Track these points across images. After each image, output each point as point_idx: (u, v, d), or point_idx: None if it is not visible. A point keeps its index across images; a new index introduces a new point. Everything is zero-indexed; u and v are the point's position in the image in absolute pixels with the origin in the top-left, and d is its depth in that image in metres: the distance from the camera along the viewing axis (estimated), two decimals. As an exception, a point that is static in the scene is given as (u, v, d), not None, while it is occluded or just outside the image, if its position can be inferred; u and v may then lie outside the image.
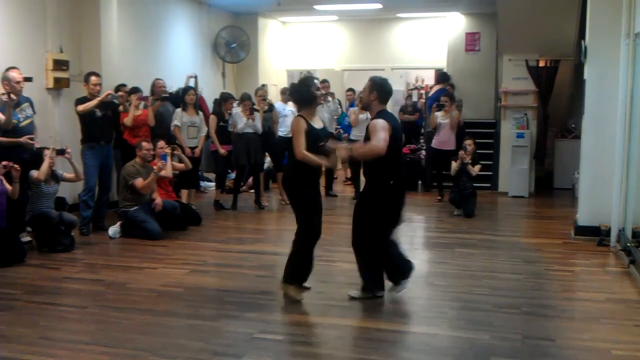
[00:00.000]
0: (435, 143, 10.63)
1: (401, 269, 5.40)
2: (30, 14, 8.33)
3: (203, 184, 11.51)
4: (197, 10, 12.55)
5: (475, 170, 9.42)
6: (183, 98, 9.28)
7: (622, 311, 5.14)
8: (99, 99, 7.72)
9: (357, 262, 5.38)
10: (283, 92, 11.63)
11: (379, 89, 5.35)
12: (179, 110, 9.21)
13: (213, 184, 11.04)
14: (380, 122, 5.23)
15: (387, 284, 5.41)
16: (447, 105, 10.45)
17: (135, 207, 7.71)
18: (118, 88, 9.13)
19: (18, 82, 6.94)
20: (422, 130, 13.58)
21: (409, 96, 16.46)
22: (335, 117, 11.26)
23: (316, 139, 5.19)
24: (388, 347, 4.37)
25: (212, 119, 9.57)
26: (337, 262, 6.56)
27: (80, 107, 7.75)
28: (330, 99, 11.01)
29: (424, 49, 14.58)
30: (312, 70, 15.47)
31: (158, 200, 7.88)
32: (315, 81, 5.46)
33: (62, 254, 6.91)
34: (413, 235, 8.66)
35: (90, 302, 5.40)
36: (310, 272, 5.38)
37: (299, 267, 5.32)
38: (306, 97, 5.34)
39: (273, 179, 11.50)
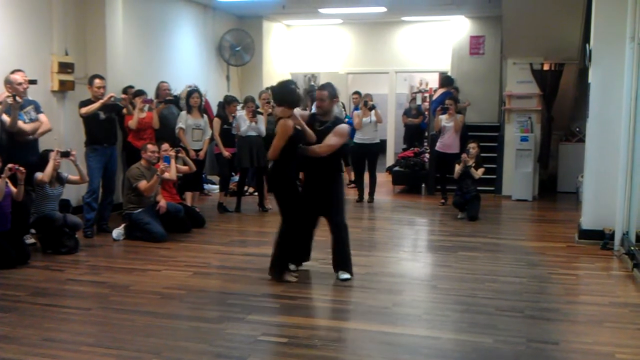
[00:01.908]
0: (439, 146, 10.64)
1: None
2: (36, 16, 8.36)
3: (207, 186, 11.52)
4: (202, 14, 12.58)
5: (478, 173, 9.40)
6: (187, 101, 9.32)
7: (626, 315, 5.14)
8: (101, 101, 7.75)
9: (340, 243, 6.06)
10: None
11: (335, 93, 6.12)
12: (183, 112, 9.25)
13: (217, 186, 11.06)
14: (347, 129, 6.23)
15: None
16: (451, 108, 10.47)
17: (140, 210, 7.73)
18: (125, 90, 9.18)
19: (20, 84, 6.96)
20: (426, 134, 13.60)
21: (413, 99, 16.52)
22: (339, 119, 11.27)
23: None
24: (391, 350, 4.37)
25: (216, 121, 9.59)
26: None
27: (83, 110, 7.78)
28: (334, 102, 11.01)
29: (429, 52, 14.59)
30: (316, 73, 15.57)
31: (162, 202, 7.90)
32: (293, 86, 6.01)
33: (66, 256, 6.93)
34: (416, 238, 8.69)
35: (93, 304, 5.41)
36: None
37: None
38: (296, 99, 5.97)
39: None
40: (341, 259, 6.10)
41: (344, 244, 6.11)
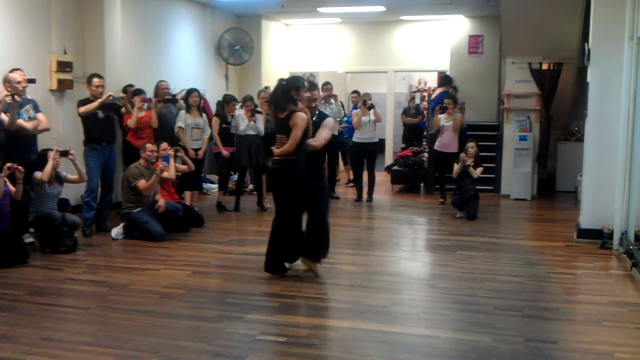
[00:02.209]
0: (438, 145, 10.64)
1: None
2: (35, 15, 8.35)
3: (205, 185, 11.52)
4: (201, 13, 12.58)
5: (476, 172, 9.41)
6: (187, 100, 9.32)
7: (625, 314, 5.14)
8: (100, 100, 7.75)
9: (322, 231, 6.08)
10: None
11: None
12: (182, 111, 9.25)
13: (215, 185, 11.07)
14: (332, 121, 6.76)
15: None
16: (450, 107, 10.47)
17: (138, 209, 7.72)
18: (125, 89, 9.17)
19: (19, 83, 6.96)
20: (425, 133, 13.59)
21: (412, 99, 16.52)
22: (337, 119, 11.29)
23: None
24: (389, 349, 4.38)
25: (215, 120, 9.58)
26: (338, 264, 6.57)
27: (82, 109, 7.78)
28: (333, 101, 11.04)
29: (427, 51, 14.59)
30: (315, 73, 15.57)
31: (161, 201, 7.90)
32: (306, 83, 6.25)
33: (65, 255, 6.93)
34: (415, 237, 8.69)
35: (92, 303, 5.41)
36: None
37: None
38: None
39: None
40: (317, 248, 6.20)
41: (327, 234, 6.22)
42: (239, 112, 9.60)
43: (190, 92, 9.39)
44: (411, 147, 13.21)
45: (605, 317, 5.05)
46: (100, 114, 7.86)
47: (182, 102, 9.60)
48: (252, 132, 9.46)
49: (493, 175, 11.60)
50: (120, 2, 9.57)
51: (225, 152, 9.49)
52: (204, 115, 9.60)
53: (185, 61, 11.93)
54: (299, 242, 6.15)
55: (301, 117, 5.84)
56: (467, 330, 4.72)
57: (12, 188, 6.49)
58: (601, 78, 7.48)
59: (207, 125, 9.42)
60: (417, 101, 16.39)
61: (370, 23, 14.72)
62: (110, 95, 7.85)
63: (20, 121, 6.96)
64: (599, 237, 7.40)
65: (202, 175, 10.65)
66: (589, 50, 7.67)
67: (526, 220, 9.86)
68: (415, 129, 14.70)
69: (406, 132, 15.00)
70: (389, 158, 15.14)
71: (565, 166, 11.97)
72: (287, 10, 13.19)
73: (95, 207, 7.96)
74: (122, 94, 8.76)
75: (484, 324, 4.85)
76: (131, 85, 9.28)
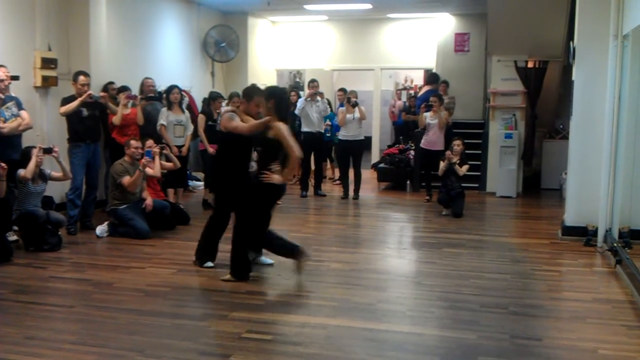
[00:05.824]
0: (424, 143, 10.67)
1: None
2: (19, 11, 8.26)
3: (191, 183, 11.47)
4: (187, 9, 12.52)
5: (462, 170, 9.43)
6: (168, 97, 9.25)
7: (609, 311, 5.17)
8: (79, 100, 7.69)
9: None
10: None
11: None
12: (164, 109, 9.18)
13: (201, 183, 11.02)
14: None
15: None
16: (436, 105, 10.50)
17: (125, 206, 7.67)
18: (105, 87, 9.09)
19: (2, 81, 6.90)
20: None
21: (413, 96, 16.46)
22: (324, 115, 11.28)
23: None
24: (375, 347, 4.38)
25: (201, 117, 9.54)
26: (326, 262, 6.57)
27: (62, 110, 7.73)
28: (319, 98, 11.02)
29: (414, 49, 14.60)
30: (301, 70, 15.56)
31: (149, 200, 7.85)
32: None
33: (49, 253, 6.87)
34: (401, 234, 8.70)
35: (76, 301, 5.37)
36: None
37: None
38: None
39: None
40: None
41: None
42: (225, 109, 9.53)
43: (170, 89, 9.29)
44: (397, 145, 13.21)
45: (589, 314, 5.08)
46: (85, 112, 7.80)
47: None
48: (238, 130, 9.40)
49: (479, 173, 11.64)
50: (106, -1, 9.51)
51: (210, 150, 9.42)
52: (187, 111, 9.53)
53: (171, 58, 11.87)
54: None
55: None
56: (452, 327, 4.73)
57: (-5, 185, 6.44)
58: (586, 76, 7.52)
59: (189, 122, 9.36)
60: (404, 99, 16.38)
61: (357, 21, 14.72)
62: (89, 94, 7.79)
63: None
64: (584, 235, 7.44)
65: (188, 172, 10.60)
66: (574, 48, 7.70)
67: (511, 217, 9.90)
68: (406, 126, 14.61)
69: (405, 129, 14.81)
70: (375, 156, 15.15)
71: (551, 164, 12.04)
72: (273, 8, 13.15)
73: (80, 204, 7.90)
74: (102, 93, 8.60)
75: (469, 321, 4.86)
76: (112, 83, 9.20)
